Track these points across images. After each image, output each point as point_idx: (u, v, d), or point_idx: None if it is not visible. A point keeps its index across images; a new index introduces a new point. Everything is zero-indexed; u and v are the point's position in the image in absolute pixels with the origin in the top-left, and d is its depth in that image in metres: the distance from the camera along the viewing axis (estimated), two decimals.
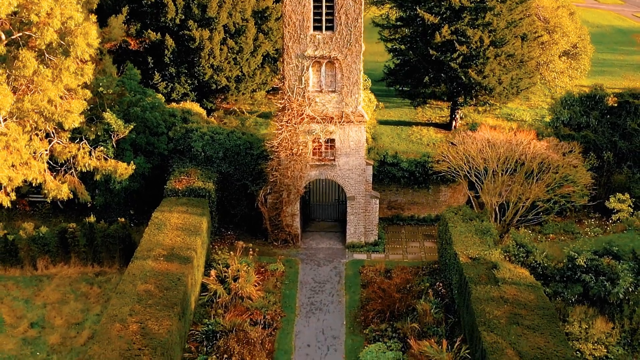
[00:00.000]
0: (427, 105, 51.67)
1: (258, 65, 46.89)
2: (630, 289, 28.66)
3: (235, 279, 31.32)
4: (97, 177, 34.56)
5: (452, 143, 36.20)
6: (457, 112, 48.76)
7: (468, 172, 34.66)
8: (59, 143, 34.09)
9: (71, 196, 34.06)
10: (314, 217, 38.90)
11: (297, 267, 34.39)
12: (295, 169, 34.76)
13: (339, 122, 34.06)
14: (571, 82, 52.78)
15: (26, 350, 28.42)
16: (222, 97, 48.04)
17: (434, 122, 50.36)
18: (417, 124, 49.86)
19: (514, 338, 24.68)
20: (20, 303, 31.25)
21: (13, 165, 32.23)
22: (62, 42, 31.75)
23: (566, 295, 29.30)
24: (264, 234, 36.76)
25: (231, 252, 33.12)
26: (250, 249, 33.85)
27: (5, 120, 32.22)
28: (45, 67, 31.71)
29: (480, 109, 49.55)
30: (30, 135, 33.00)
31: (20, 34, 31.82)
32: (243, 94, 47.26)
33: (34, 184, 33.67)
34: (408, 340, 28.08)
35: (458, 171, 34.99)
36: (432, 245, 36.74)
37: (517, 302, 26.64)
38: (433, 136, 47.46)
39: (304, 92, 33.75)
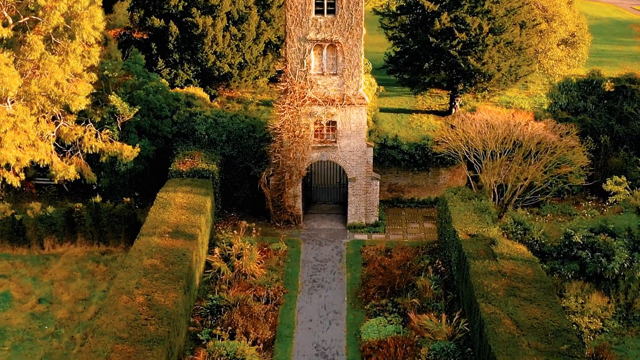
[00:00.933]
0: (427, 93, 52.27)
1: (260, 53, 47.46)
2: (625, 265, 29.30)
3: (238, 257, 31.95)
4: (103, 159, 35.17)
5: (451, 125, 36.74)
6: (457, 100, 49.36)
7: (467, 153, 35.23)
8: (65, 125, 34.70)
9: (78, 177, 34.75)
10: (316, 199, 39.48)
11: (299, 246, 35.00)
12: (298, 151, 35.37)
13: (341, 104, 34.66)
14: (569, 70, 53.28)
15: (34, 324, 29.05)
16: (225, 84, 48.64)
17: (433, 109, 50.95)
18: (417, 111, 50.47)
19: (511, 309, 25.30)
20: (28, 280, 31.87)
21: (20, 147, 32.86)
22: (68, 26, 32.36)
23: (563, 271, 29.94)
24: (266, 215, 37.35)
25: (234, 232, 33.76)
26: (253, 229, 34.50)
27: (12, 102, 32.85)
28: (51, 53, 32.29)
29: (479, 95, 50.11)
30: (37, 118, 33.61)
31: (27, 18, 32.43)
32: (245, 81, 47.85)
33: (41, 165, 34.34)
34: (408, 314, 28.70)
35: (457, 152, 35.56)
36: (431, 226, 37.32)
37: (514, 275, 27.27)
38: (433, 123, 48.04)
39: (306, 75, 34.33)
